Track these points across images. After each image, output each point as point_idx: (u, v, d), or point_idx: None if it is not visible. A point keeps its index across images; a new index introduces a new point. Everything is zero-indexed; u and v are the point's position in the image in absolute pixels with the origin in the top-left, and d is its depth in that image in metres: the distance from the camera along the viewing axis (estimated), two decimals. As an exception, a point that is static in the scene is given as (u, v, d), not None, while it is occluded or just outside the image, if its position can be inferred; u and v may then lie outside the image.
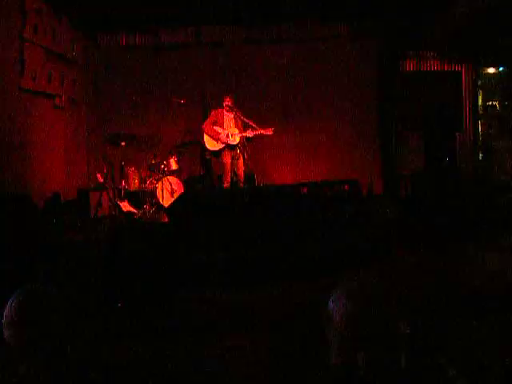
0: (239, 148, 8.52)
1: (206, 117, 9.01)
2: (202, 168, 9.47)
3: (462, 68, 10.47)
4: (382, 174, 10.35)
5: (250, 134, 8.48)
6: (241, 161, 8.62)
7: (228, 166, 8.60)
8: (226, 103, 8.48)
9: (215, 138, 8.53)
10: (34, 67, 7.91)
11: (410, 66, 10.46)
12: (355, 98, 10.34)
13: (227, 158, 8.61)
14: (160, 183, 8.59)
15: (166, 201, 8.42)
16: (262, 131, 8.45)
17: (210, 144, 8.64)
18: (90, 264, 5.17)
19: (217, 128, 8.54)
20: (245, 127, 8.58)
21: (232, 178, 8.66)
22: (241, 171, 8.65)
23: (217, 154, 8.71)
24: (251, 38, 10.30)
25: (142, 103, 9.72)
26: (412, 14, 9.15)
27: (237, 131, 8.56)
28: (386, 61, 10.32)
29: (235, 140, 8.53)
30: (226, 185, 8.58)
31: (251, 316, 4.04)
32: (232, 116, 8.56)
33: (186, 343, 3.61)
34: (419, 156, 10.11)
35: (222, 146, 8.56)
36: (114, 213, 8.24)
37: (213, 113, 8.67)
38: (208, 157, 9.00)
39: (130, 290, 4.53)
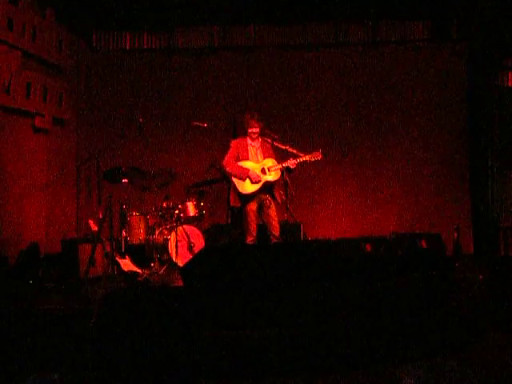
0: (270, 191, 7.39)
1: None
2: (228, 215, 8.61)
3: None
4: (474, 227, 9.49)
5: (292, 163, 7.27)
6: (273, 208, 7.40)
7: (252, 215, 7.40)
8: (252, 130, 7.36)
9: (243, 177, 7.33)
10: (6, 76, 7.51)
11: (513, 79, 9.66)
12: (437, 124, 9.50)
13: (251, 205, 7.41)
14: (173, 234, 7.92)
15: (181, 258, 7.80)
16: (307, 157, 7.32)
17: (242, 186, 7.39)
18: (75, 342, 4.62)
19: (243, 163, 7.39)
20: (280, 155, 7.58)
21: (264, 230, 7.50)
22: (275, 222, 7.40)
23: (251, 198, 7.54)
24: (292, 42, 9.72)
25: (150, 126, 9.07)
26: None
27: (271, 163, 7.33)
28: (480, 73, 9.44)
29: (275, 175, 7.32)
30: (249, 239, 7.42)
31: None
32: (259, 144, 7.47)
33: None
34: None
35: (259, 186, 7.29)
36: (110, 273, 7.33)
37: (232, 144, 7.53)
38: (232, 204, 7.90)
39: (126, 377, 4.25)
